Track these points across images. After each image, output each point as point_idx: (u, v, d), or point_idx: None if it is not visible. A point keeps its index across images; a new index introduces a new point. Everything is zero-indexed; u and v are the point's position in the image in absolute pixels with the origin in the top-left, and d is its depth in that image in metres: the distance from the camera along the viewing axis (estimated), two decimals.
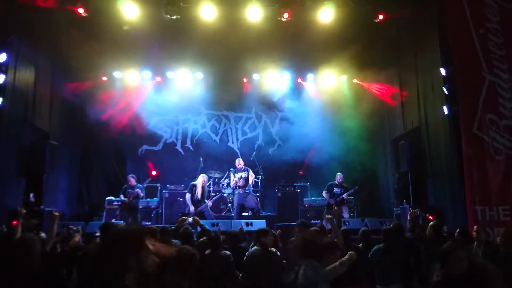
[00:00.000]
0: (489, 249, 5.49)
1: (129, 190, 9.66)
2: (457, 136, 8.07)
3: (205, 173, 10.96)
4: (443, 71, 8.42)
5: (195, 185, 9.41)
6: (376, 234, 6.29)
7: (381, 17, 9.02)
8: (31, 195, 8.48)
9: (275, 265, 4.86)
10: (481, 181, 7.81)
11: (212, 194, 10.51)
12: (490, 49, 8.26)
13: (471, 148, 7.95)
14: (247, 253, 5.02)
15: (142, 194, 9.93)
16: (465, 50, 8.25)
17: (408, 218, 5.73)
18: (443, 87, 8.39)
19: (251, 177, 10.03)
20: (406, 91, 10.51)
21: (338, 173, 10.26)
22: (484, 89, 8.16)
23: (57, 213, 5.15)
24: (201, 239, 5.50)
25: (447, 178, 8.49)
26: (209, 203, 9.37)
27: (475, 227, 6.08)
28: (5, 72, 7.76)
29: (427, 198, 9.24)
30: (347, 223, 8.81)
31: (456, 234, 6.26)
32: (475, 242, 5.83)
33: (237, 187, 9.99)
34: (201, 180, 9.44)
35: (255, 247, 5.05)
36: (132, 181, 9.80)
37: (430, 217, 7.56)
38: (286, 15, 8.94)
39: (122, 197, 9.71)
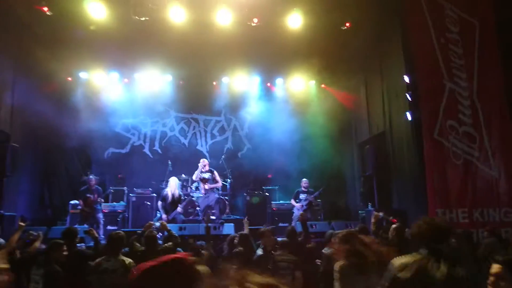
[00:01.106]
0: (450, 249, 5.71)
1: (88, 195, 9.44)
2: (420, 141, 8.37)
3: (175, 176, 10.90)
4: (406, 78, 8.71)
5: (166, 193, 9.31)
6: None
7: (348, 25, 9.26)
8: None
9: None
10: (442, 184, 8.14)
11: (182, 197, 10.40)
12: (451, 58, 8.64)
13: (433, 153, 8.27)
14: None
15: (101, 199, 9.67)
16: (427, 59, 8.59)
17: (372, 220, 5.88)
18: (407, 94, 8.68)
19: (217, 178, 9.96)
20: (372, 97, 10.80)
21: (304, 179, 10.41)
22: (444, 97, 8.51)
23: (23, 224, 5.09)
24: (167, 244, 5.45)
25: (410, 181, 8.78)
26: (180, 209, 9.29)
27: None
28: None
29: (391, 201, 9.51)
30: (314, 226, 8.94)
31: None
32: None
33: (202, 189, 9.89)
34: (173, 184, 9.32)
35: (259, 250, 5.06)
36: (92, 183, 9.58)
37: (394, 220, 7.79)
38: (255, 20, 9.03)
39: (80, 202, 9.46)
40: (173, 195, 9.22)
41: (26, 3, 8.56)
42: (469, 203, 8.10)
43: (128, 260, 4.37)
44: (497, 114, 8.44)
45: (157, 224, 6.29)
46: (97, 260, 4.43)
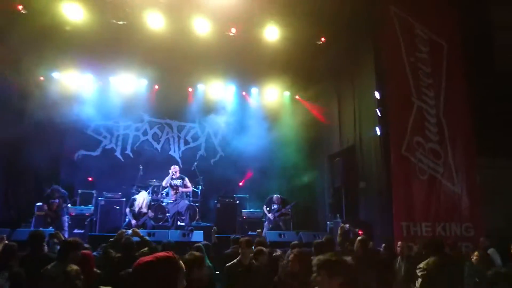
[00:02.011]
0: (411, 262, 5.91)
1: (52, 200, 9.26)
2: (388, 155, 8.63)
3: (145, 181, 10.83)
4: (377, 94, 8.99)
5: (135, 199, 9.28)
6: (309, 246, 6.53)
7: (323, 39, 9.50)
8: None
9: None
10: (407, 199, 8.41)
11: (152, 203, 10.33)
12: (420, 77, 8.98)
13: (400, 168, 8.54)
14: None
15: (67, 205, 9.52)
16: (397, 76, 8.90)
17: (339, 232, 6.03)
18: (376, 109, 8.95)
19: (188, 184, 9.96)
20: (343, 110, 11.05)
21: (275, 195, 10.56)
22: (412, 114, 8.83)
23: None
24: (143, 250, 5.43)
25: (376, 194, 9.01)
26: (150, 213, 9.24)
27: (399, 242, 6.51)
28: None
29: (358, 213, 9.73)
30: (282, 235, 9.05)
31: (382, 248, 6.68)
32: (399, 256, 6.26)
33: (172, 195, 9.88)
34: (141, 199, 9.35)
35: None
36: (56, 190, 9.44)
37: (360, 232, 8.00)
38: (233, 30, 9.16)
39: (44, 205, 9.29)
40: (140, 208, 9.24)
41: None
42: (432, 217, 8.39)
43: (73, 267, 4.20)
44: (462, 132, 8.81)
45: (129, 231, 6.24)
46: (49, 265, 4.34)
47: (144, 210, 9.37)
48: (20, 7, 8.23)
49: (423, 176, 8.56)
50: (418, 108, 8.85)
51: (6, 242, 5.21)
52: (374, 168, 9.20)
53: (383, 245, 6.63)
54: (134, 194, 10.02)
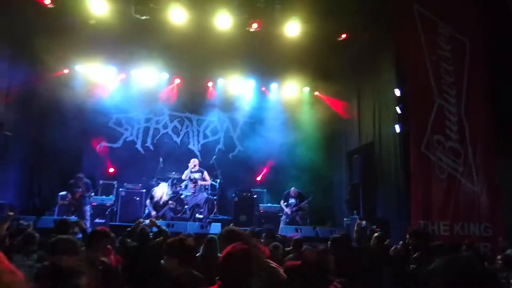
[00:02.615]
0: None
1: (76, 189, 9.54)
2: (406, 153, 8.58)
3: (165, 174, 11.01)
4: (397, 92, 8.93)
5: (155, 191, 9.47)
6: (325, 242, 6.59)
7: (344, 36, 9.48)
8: None
9: None
10: (426, 197, 8.35)
11: (171, 195, 10.50)
12: (441, 75, 8.86)
13: (418, 166, 8.48)
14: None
15: (90, 194, 9.77)
16: (418, 74, 8.81)
17: (355, 228, 6.06)
18: (397, 107, 8.90)
19: (207, 177, 10.09)
20: (363, 107, 11.00)
21: (292, 189, 10.59)
22: (433, 112, 8.73)
23: (11, 213, 5.16)
24: (158, 239, 5.57)
25: (395, 192, 8.99)
26: (171, 203, 9.45)
27: None
28: None
29: (376, 210, 9.71)
30: (299, 230, 9.11)
31: (399, 246, 6.67)
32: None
33: (191, 188, 10.03)
34: (161, 191, 9.53)
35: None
36: (80, 179, 9.72)
37: (377, 230, 8.00)
38: (254, 26, 9.23)
39: (68, 194, 9.56)
40: (161, 198, 9.46)
41: None
42: (450, 216, 8.31)
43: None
44: (483, 132, 8.68)
45: (146, 221, 6.40)
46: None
47: (164, 201, 9.54)
48: (48, 1, 8.44)
49: (442, 175, 8.48)
50: (439, 106, 8.75)
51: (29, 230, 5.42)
52: (393, 166, 9.17)
53: (401, 242, 6.62)
54: (154, 186, 10.21)
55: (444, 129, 8.69)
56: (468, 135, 8.65)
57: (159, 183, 10.23)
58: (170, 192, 10.12)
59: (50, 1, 8.49)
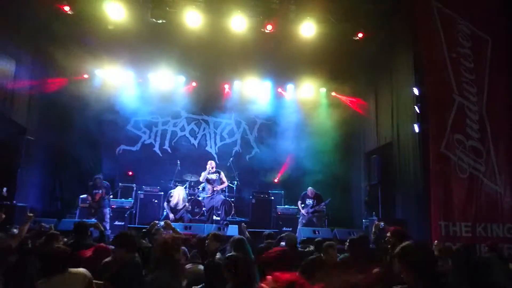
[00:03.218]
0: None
1: (95, 191, 9.68)
2: (426, 153, 8.42)
3: (182, 176, 11.10)
4: (416, 90, 8.78)
5: (172, 194, 9.53)
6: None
7: (360, 35, 9.38)
8: (5, 189, 8.39)
9: None
10: (446, 197, 8.17)
11: (188, 197, 10.58)
12: (461, 73, 8.68)
13: (438, 166, 8.32)
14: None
15: (109, 196, 9.89)
16: (438, 72, 8.63)
17: (373, 229, 5.97)
18: (415, 106, 8.75)
19: (224, 178, 10.11)
20: (381, 107, 10.87)
21: (309, 188, 10.52)
22: (453, 110, 8.55)
23: (31, 214, 5.26)
24: None
25: (414, 193, 8.83)
26: (188, 205, 9.50)
27: (435, 241, 6.39)
28: None
29: (395, 211, 9.57)
30: (316, 232, 9.04)
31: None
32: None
33: (210, 190, 10.06)
34: (177, 194, 9.58)
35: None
36: (99, 181, 9.85)
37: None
38: (269, 27, 9.22)
39: (88, 197, 9.73)
40: (177, 203, 9.52)
41: (48, 2, 8.84)
42: (472, 217, 8.12)
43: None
44: (505, 130, 8.47)
45: (161, 223, 6.45)
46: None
47: (180, 205, 9.60)
48: (67, 8, 8.62)
49: (463, 175, 8.30)
50: (459, 104, 8.57)
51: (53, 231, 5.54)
52: (412, 166, 9.00)
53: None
54: (171, 188, 10.30)
55: (464, 128, 8.51)
56: (490, 133, 8.44)
57: (177, 186, 10.31)
58: (186, 196, 10.15)
59: (69, 8, 8.64)
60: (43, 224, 6.07)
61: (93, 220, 8.60)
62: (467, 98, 8.61)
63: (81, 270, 3.67)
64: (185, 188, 10.51)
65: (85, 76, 11.80)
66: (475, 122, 8.53)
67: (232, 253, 5.27)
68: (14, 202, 8.50)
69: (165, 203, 9.66)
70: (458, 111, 8.56)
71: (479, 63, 8.71)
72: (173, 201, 9.57)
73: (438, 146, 8.38)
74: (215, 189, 9.90)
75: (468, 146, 8.43)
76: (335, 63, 10.60)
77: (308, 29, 9.27)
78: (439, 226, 8.02)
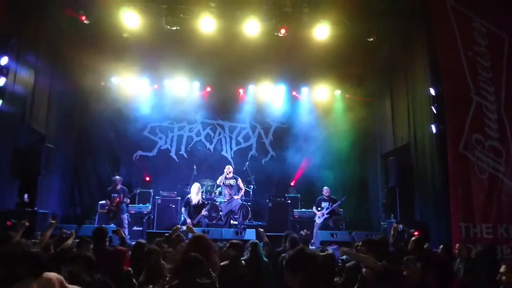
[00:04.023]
0: (470, 265, 5.69)
1: (114, 195, 9.81)
2: (444, 154, 8.31)
3: (198, 182, 11.14)
4: (432, 91, 8.68)
5: (189, 198, 9.56)
6: None
7: (374, 37, 9.32)
8: (26, 196, 8.58)
9: None
10: (466, 198, 8.03)
11: (205, 202, 10.59)
12: (478, 71, 8.55)
13: (457, 166, 8.19)
14: None
15: (127, 199, 9.99)
16: (454, 71, 8.52)
17: (391, 232, 5.92)
18: (432, 106, 8.65)
19: (241, 185, 10.13)
20: (397, 108, 10.77)
21: (325, 187, 10.47)
22: (471, 110, 8.42)
23: (53, 221, 5.37)
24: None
25: (433, 194, 8.72)
26: (205, 212, 9.53)
27: (457, 244, 6.30)
28: (5, 75, 7.88)
29: (413, 213, 9.45)
30: (334, 235, 8.99)
31: (439, 250, 6.46)
32: (458, 259, 6.04)
33: (226, 195, 10.08)
34: (195, 190, 9.58)
35: None
36: (118, 183, 9.93)
37: (416, 233, 7.78)
38: (283, 31, 9.24)
39: (107, 201, 9.84)
40: (197, 201, 9.53)
41: (64, 12, 9.04)
42: (493, 218, 7.96)
43: None
44: None
45: (184, 227, 6.51)
46: None
47: (199, 200, 9.58)
48: (83, 17, 8.80)
49: (482, 175, 8.15)
50: (476, 104, 8.43)
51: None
52: (430, 167, 8.90)
53: (441, 246, 6.41)
54: (188, 193, 10.34)
55: (483, 127, 8.37)
56: (510, 133, 8.28)
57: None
58: (200, 188, 10.08)
59: (85, 18, 8.83)
60: (64, 230, 6.17)
61: (113, 226, 8.72)
62: (484, 97, 8.47)
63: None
64: (202, 193, 10.47)
65: (102, 83, 12.00)
66: (494, 121, 8.38)
67: (246, 256, 5.33)
68: (36, 208, 8.68)
69: (183, 208, 9.68)
70: (476, 110, 8.43)
71: (495, 61, 8.57)
72: (192, 198, 9.54)
73: (456, 147, 8.26)
74: (235, 197, 9.89)
75: (487, 146, 8.28)
76: (349, 65, 10.56)
77: (321, 31, 9.27)
78: (459, 228, 7.89)
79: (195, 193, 9.55)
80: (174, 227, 6.19)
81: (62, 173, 11.02)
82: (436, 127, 8.54)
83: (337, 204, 10.21)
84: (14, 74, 8.36)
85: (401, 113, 10.42)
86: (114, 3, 8.81)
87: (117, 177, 10.13)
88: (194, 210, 9.50)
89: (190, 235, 6.15)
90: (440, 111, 8.52)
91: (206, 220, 9.74)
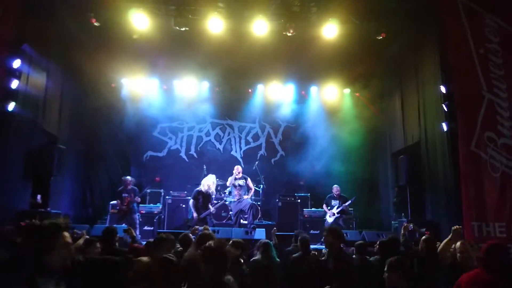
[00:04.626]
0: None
1: (124, 194, 9.88)
2: (455, 152, 8.23)
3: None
4: (443, 88, 8.60)
5: (200, 190, 9.47)
6: (372, 246, 6.44)
7: (383, 34, 9.26)
8: (39, 197, 8.70)
9: None
10: (478, 197, 7.93)
11: (215, 201, 10.62)
12: (490, 69, 8.44)
13: (469, 165, 8.10)
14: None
15: (137, 198, 10.06)
16: (465, 69, 8.41)
17: (402, 232, 5.88)
18: (443, 104, 8.57)
19: (250, 184, 10.13)
20: (407, 106, 10.68)
21: (334, 186, 10.45)
22: (483, 107, 8.32)
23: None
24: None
25: (444, 193, 8.63)
26: (213, 209, 9.50)
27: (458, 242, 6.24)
28: (18, 78, 8.00)
29: (425, 212, 9.37)
30: (345, 234, 8.94)
31: (452, 249, 6.38)
32: None
33: (236, 195, 10.10)
34: (211, 180, 9.47)
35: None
36: (128, 183, 10.01)
37: (427, 232, 7.72)
38: (291, 30, 9.22)
39: (118, 202, 9.93)
40: (207, 190, 9.33)
41: (75, 15, 9.14)
42: (507, 217, 7.84)
43: None
44: None
45: (201, 228, 6.56)
46: None
47: (212, 190, 9.51)
48: (94, 20, 8.90)
49: (495, 174, 8.04)
50: (488, 101, 8.32)
51: (87, 236, 5.71)
52: (441, 166, 8.81)
53: (453, 245, 6.34)
54: (196, 188, 10.28)
55: (495, 125, 8.26)
56: None
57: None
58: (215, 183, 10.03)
59: (95, 20, 8.93)
60: (75, 230, 6.25)
61: (124, 226, 8.80)
62: (496, 94, 8.36)
63: None
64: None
65: (112, 85, 12.11)
66: (507, 119, 8.26)
67: (258, 257, 5.34)
68: (49, 209, 8.79)
69: (191, 201, 9.52)
70: (488, 108, 8.32)
71: (508, 58, 8.44)
72: (204, 187, 9.39)
73: (468, 145, 8.16)
74: (245, 197, 9.88)
75: (500, 144, 8.17)
76: (359, 63, 10.51)
77: (330, 30, 9.23)
78: (472, 227, 7.81)
79: (211, 182, 9.40)
80: (193, 228, 6.27)
81: (74, 174, 11.15)
82: (447, 125, 8.45)
83: (347, 203, 10.18)
84: (27, 77, 8.49)
85: (411, 111, 10.33)
86: (123, 5, 8.88)
87: (128, 177, 10.21)
88: (203, 201, 9.34)
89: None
90: (451, 109, 8.43)
91: (213, 220, 9.72)
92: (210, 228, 8.59)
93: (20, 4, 7.71)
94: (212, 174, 9.99)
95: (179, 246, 5.57)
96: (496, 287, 3.45)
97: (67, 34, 9.77)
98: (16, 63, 7.89)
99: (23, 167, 8.52)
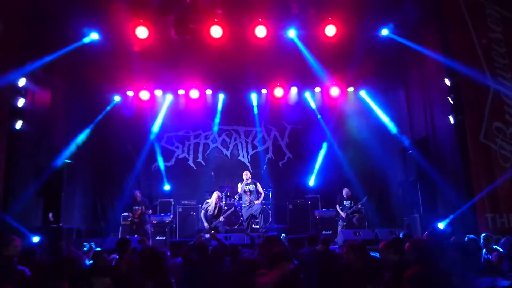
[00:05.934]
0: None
1: (135, 207, 9.93)
2: (464, 145, 8.17)
3: (217, 187, 11.19)
4: (447, 81, 8.55)
5: (208, 203, 9.59)
6: None
7: (384, 31, 9.25)
8: (50, 215, 8.74)
9: None
10: (490, 188, 7.89)
11: (225, 207, 10.62)
12: (494, 58, 8.41)
13: (479, 157, 8.06)
14: None
15: (148, 211, 10.12)
16: (469, 60, 8.38)
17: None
18: (448, 97, 8.52)
19: (260, 189, 10.12)
20: (412, 101, 10.63)
21: (345, 189, 10.42)
22: (489, 98, 8.29)
23: None
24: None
25: (455, 186, 8.55)
26: (222, 218, 9.53)
27: (483, 234, 6.21)
28: (24, 96, 8.07)
29: (436, 207, 9.29)
30: (357, 233, 8.91)
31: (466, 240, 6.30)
32: (484, 249, 5.94)
33: (246, 200, 10.09)
34: (214, 197, 9.60)
35: None
36: (138, 196, 10.07)
37: (440, 225, 7.68)
38: (291, 32, 9.23)
39: (129, 214, 10.00)
40: (215, 204, 9.50)
41: (77, 29, 9.22)
42: None
43: None
44: None
45: (207, 236, 6.55)
46: None
47: (213, 208, 9.59)
48: (94, 34, 8.98)
49: (506, 164, 8.01)
50: (494, 91, 8.30)
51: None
52: (451, 159, 8.74)
53: (467, 237, 6.30)
54: (206, 200, 10.36)
55: (503, 115, 8.24)
56: None
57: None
58: (222, 197, 10.06)
59: (96, 35, 9.03)
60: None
61: (136, 237, 8.83)
62: (502, 84, 8.33)
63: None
64: (222, 199, 10.49)
65: (117, 97, 12.18)
66: None
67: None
68: (61, 224, 8.83)
69: (202, 212, 9.64)
70: (495, 98, 8.30)
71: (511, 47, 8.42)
72: (212, 204, 9.52)
73: (476, 136, 8.13)
74: (255, 202, 9.87)
75: (509, 134, 8.14)
76: (361, 61, 10.42)
77: (330, 30, 9.21)
78: (486, 219, 7.76)
79: (214, 203, 9.54)
80: (198, 236, 6.25)
81: (84, 188, 11.21)
82: (454, 118, 8.39)
83: (359, 204, 10.18)
84: (32, 95, 8.55)
85: (417, 105, 10.28)
86: (124, 18, 8.92)
87: (137, 191, 10.28)
88: (212, 217, 9.48)
89: (213, 242, 6.23)
90: (457, 102, 8.39)
91: (224, 226, 9.72)
92: (223, 235, 8.62)
93: (24, 22, 7.80)
94: (217, 189, 10.07)
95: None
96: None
97: (70, 50, 9.83)
98: (21, 82, 7.95)
99: (34, 184, 8.57)
